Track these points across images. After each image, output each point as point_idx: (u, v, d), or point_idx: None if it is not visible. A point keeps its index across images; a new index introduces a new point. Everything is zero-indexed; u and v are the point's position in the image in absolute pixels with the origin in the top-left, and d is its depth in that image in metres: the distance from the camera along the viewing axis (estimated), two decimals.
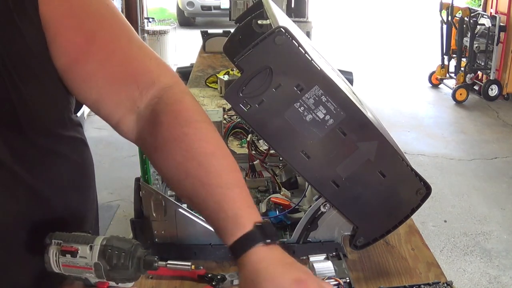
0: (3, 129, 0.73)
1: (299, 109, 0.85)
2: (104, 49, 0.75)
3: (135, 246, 0.70)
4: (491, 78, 5.11)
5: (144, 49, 0.80)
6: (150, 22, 6.40)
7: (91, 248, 0.69)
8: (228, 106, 1.90)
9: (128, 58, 0.77)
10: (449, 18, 5.19)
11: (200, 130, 0.73)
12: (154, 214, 0.98)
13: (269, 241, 0.67)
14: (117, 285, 0.72)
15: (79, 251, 0.69)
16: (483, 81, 5.21)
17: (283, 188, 1.23)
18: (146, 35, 5.99)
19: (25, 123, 0.74)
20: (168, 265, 0.72)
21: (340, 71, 1.22)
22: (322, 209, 0.97)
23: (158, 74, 0.77)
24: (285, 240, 1.03)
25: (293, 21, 1.67)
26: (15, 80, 0.70)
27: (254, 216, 0.70)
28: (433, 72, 5.71)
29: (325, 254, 0.86)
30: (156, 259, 0.70)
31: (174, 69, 2.68)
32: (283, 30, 0.80)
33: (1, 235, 0.77)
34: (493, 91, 5.17)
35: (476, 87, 5.35)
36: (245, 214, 0.69)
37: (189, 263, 0.71)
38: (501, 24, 4.97)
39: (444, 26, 5.29)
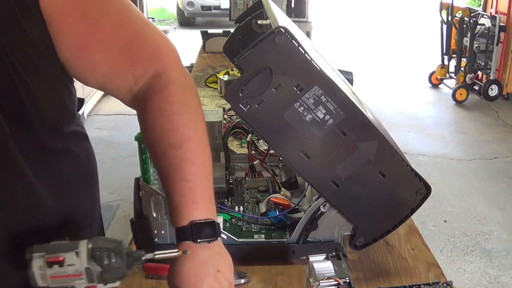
0: (14, 127, 0.73)
1: (299, 109, 0.85)
2: (107, 38, 0.76)
3: (120, 244, 0.69)
4: (491, 78, 5.11)
5: (144, 30, 0.81)
6: None
7: (77, 254, 0.67)
8: (228, 106, 1.90)
9: (129, 44, 0.79)
10: (449, 18, 5.19)
11: (172, 121, 0.77)
12: (154, 214, 0.98)
13: (199, 240, 0.73)
14: (105, 286, 0.71)
15: (65, 260, 0.67)
16: (483, 81, 5.20)
17: (283, 188, 1.23)
18: None
19: (34, 118, 0.75)
20: (156, 256, 0.72)
21: (340, 71, 1.22)
22: (322, 209, 0.97)
23: (153, 60, 0.80)
24: (285, 240, 1.03)
25: (293, 21, 1.67)
26: (22, 76, 0.71)
27: (196, 213, 0.74)
28: (433, 72, 5.71)
29: (325, 254, 0.86)
30: (142, 252, 0.70)
31: None
32: (283, 30, 0.80)
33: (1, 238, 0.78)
34: (493, 91, 5.17)
35: (476, 87, 5.35)
36: (185, 210, 0.74)
37: (177, 250, 0.71)
38: (501, 24, 4.97)
39: (444, 26, 5.29)
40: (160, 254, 0.71)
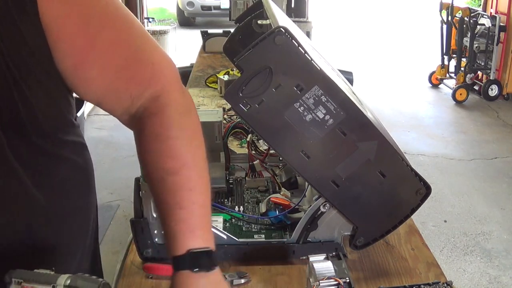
0: (8, 132, 0.72)
1: (299, 109, 0.85)
2: (105, 54, 0.74)
3: (102, 286, 0.65)
4: (491, 78, 5.11)
5: (144, 47, 0.79)
6: (150, 22, 6.40)
7: None
8: (228, 106, 1.90)
9: (127, 63, 0.76)
10: (449, 18, 5.19)
11: (169, 146, 0.74)
12: (154, 214, 0.98)
13: (197, 269, 0.71)
14: None
15: None
16: (483, 81, 5.21)
17: (283, 188, 1.23)
18: None
19: (30, 127, 0.74)
20: None
21: (340, 71, 1.22)
22: (322, 209, 0.97)
23: (151, 82, 0.77)
24: (285, 240, 1.03)
25: (293, 21, 1.67)
26: (20, 84, 0.70)
27: (193, 241, 0.72)
28: (433, 72, 5.71)
29: (325, 254, 0.86)
30: None
31: None
32: (283, 30, 0.80)
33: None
34: (493, 91, 5.17)
35: (476, 87, 5.35)
36: (182, 238, 0.72)
37: None
38: (501, 24, 4.97)
39: (444, 26, 5.29)
40: None
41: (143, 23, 6.18)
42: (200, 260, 0.72)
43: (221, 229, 1.02)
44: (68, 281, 0.64)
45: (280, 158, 1.25)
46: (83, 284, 0.64)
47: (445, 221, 3.11)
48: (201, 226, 0.74)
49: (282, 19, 1.01)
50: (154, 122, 0.75)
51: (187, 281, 0.71)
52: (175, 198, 0.73)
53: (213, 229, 0.98)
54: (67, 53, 0.72)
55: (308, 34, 2.97)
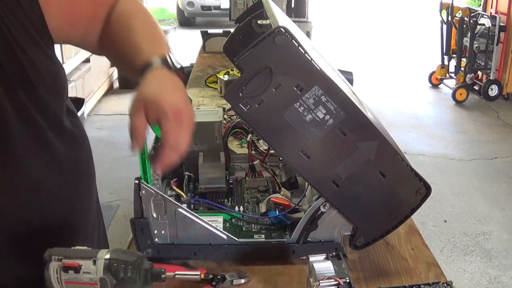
0: (20, 92, 0.78)
1: (299, 109, 0.85)
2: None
3: (141, 258, 0.68)
4: (491, 78, 5.12)
5: None
6: None
7: (94, 262, 0.66)
8: (228, 106, 1.90)
9: None
10: (449, 18, 5.20)
11: (128, 10, 0.94)
12: (154, 214, 0.98)
13: (166, 66, 0.82)
14: None
15: (82, 267, 0.66)
16: (483, 81, 5.21)
17: (283, 188, 1.23)
18: None
19: (37, 82, 0.81)
20: (176, 276, 0.71)
21: (340, 71, 1.22)
22: (322, 209, 0.97)
23: None
24: (285, 240, 1.03)
25: (293, 21, 1.67)
26: (21, 44, 0.78)
27: (157, 49, 0.85)
28: (433, 72, 5.71)
29: (325, 254, 0.86)
30: (163, 270, 0.69)
31: None
32: (283, 30, 0.80)
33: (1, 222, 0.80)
34: (493, 91, 5.17)
35: (476, 87, 5.36)
36: (147, 50, 0.84)
37: (198, 272, 0.69)
38: (501, 24, 4.98)
39: (444, 26, 5.29)
40: (181, 275, 0.70)
41: None
42: (169, 60, 0.83)
43: (221, 229, 1.02)
44: (108, 255, 0.66)
45: (280, 158, 1.25)
46: (124, 257, 0.67)
47: (445, 221, 3.12)
48: (159, 42, 0.88)
49: (282, 19, 1.01)
50: (121, 10, 0.92)
51: (155, 73, 0.80)
52: (137, 34, 0.88)
53: (213, 229, 0.99)
54: (56, 10, 0.84)
55: (308, 34, 2.97)
